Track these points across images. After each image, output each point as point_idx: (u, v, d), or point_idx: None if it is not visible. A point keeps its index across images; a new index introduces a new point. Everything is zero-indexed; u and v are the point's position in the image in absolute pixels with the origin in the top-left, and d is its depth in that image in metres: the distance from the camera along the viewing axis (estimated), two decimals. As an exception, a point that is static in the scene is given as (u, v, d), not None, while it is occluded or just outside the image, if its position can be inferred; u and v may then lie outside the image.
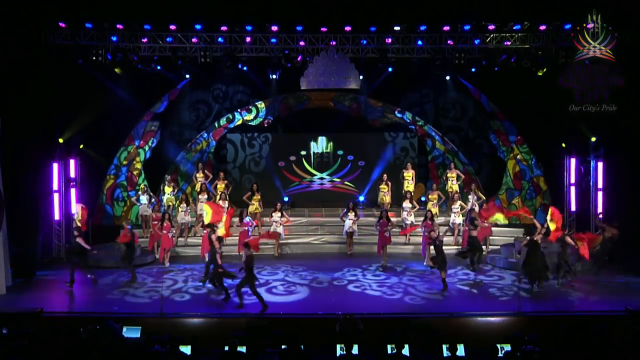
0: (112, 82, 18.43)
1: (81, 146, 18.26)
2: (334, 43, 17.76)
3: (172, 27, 17.42)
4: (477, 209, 18.09)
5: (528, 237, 14.58)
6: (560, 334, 10.00)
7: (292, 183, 21.33)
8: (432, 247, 14.85)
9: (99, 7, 17.04)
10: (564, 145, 18.52)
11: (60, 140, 17.66)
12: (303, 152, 21.34)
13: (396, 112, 20.98)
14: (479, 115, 20.50)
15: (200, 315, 12.93)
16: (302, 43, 17.72)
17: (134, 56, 17.50)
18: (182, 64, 18.12)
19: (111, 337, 9.75)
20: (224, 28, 17.49)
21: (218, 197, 18.39)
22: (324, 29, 17.66)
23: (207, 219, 15.64)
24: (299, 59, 17.77)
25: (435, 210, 18.24)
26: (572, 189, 18.59)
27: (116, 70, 17.69)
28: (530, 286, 14.50)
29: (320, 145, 21.29)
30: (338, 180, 21.42)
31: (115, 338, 9.82)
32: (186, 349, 9.46)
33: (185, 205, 17.99)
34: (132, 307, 13.41)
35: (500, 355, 9.18)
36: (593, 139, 17.83)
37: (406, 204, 18.36)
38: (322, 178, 21.47)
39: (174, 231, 17.34)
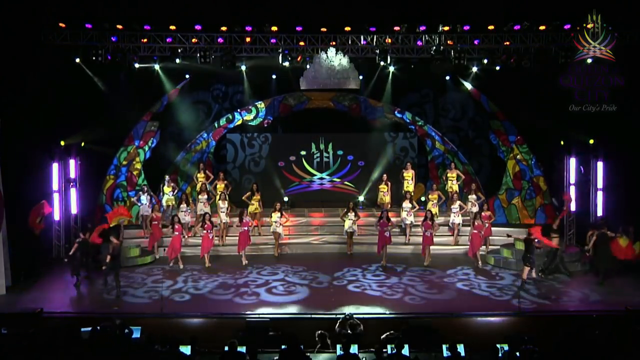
0: (112, 82, 18.42)
1: (82, 144, 18.25)
2: (334, 43, 17.77)
3: (172, 27, 17.43)
4: (475, 209, 18.13)
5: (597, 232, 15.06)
6: (560, 334, 10.01)
7: (292, 183, 21.36)
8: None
9: (98, 8, 17.04)
10: (562, 142, 18.48)
11: (62, 143, 17.65)
12: (303, 152, 21.36)
13: (396, 112, 20.98)
14: (479, 115, 20.49)
15: (200, 316, 12.93)
16: (301, 43, 17.73)
17: (134, 56, 17.52)
18: (181, 64, 18.13)
19: (124, 339, 9.74)
20: (223, 28, 17.50)
21: (218, 197, 18.39)
22: (323, 29, 17.66)
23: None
24: (298, 59, 17.76)
25: (435, 210, 18.27)
26: (572, 188, 18.59)
27: None
28: (600, 279, 14.93)
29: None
30: (338, 180, 21.46)
31: (124, 340, 9.81)
32: (186, 349, 9.46)
33: (185, 205, 17.99)
34: (132, 307, 13.42)
35: (500, 355, 9.18)
36: (592, 142, 17.80)
37: (406, 204, 18.37)
38: (322, 178, 21.51)
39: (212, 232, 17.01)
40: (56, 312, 13.00)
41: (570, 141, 18.42)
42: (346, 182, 21.49)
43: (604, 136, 17.74)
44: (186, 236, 17.73)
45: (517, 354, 9.21)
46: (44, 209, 15.52)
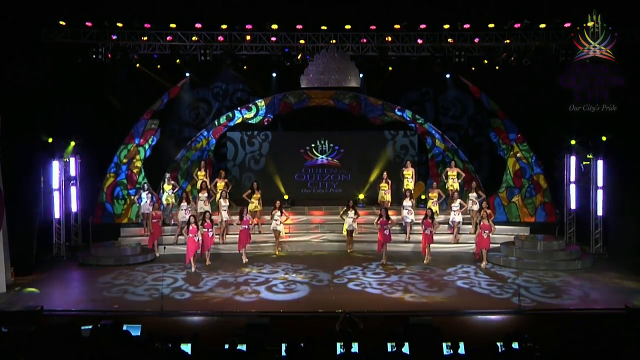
0: (112, 80, 18.43)
1: (73, 143, 18.16)
2: (334, 41, 17.77)
3: (172, 25, 17.41)
4: (476, 207, 18.15)
5: None
6: (560, 333, 10.01)
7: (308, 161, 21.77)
8: None
9: (99, 6, 17.02)
10: (573, 142, 18.41)
11: (50, 140, 17.56)
12: (313, 145, 21.64)
13: (396, 110, 20.97)
14: (479, 113, 20.47)
15: (201, 314, 12.95)
16: (302, 41, 17.72)
17: (134, 55, 17.51)
18: (181, 62, 18.13)
19: (124, 337, 9.72)
20: (224, 26, 17.48)
21: (218, 195, 18.40)
22: (324, 27, 17.66)
23: None
24: (299, 57, 17.76)
25: (435, 208, 18.26)
26: (572, 187, 18.61)
27: None
28: None
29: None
30: (330, 158, 21.66)
31: (125, 338, 9.78)
32: (186, 347, 9.46)
33: (185, 203, 17.98)
34: (132, 306, 13.42)
35: (499, 352, 9.17)
36: (604, 139, 17.76)
37: (406, 202, 18.38)
38: (322, 158, 21.71)
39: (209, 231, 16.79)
40: (56, 310, 13.01)
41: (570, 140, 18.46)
42: (335, 160, 21.65)
43: (603, 135, 17.75)
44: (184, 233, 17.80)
45: (518, 352, 9.21)
46: None
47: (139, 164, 19.81)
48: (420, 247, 17.13)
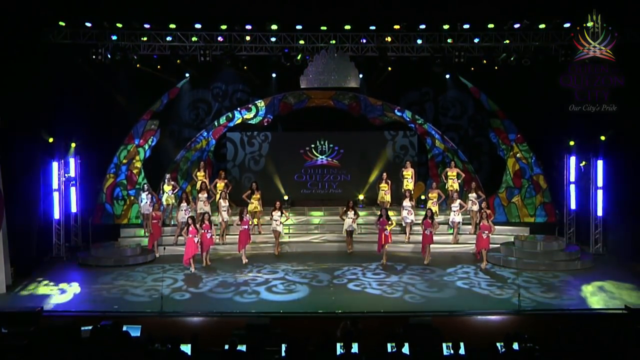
0: (112, 81, 18.42)
1: (74, 145, 18.14)
2: (334, 41, 17.76)
3: (172, 25, 17.41)
4: (476, 208, 18.14)
5: None
6: (560, 333, 10.01)
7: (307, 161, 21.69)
8: None
9: (99, 6, 17.01)
10: (572, 143, 18.41)
11: (50, 140, 17.54)
12: (313, 145, 21.59)
13: (396, 110, 20.97)
14: (479, 113, 20.47)
15: (201, 314, 12.94)
16: (301, 42, 17.72)
17: (134, 55, 17.51)
18: (181, 63, 18.13)
19: (124, 338, 9.72)
20: (223, 26, 17.48)
21: (218, 195, 18.39)
22: (323, 28, 17.65)
23: None
24: (298, 57, 17.75)
25: (435, 208, 18.25)
26: (572, 187, 18.60)
27: None
28: None
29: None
30: (330, 159, 21.62)
31: (124, 339, 9.77)
32: (186, 348, 9.45)
33: (185, 204, 17.97)
34: (132, 306, 13.42)
35: (500, 352, 9.17)
36: (603, 138, 17.75)
37: (406, 203, 18.37)
38: (322, 159, 21.64)
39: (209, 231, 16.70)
40: (56, 311, 13.01)
41: (570, 140, 18.44)
42: (335, 160, 21.60)
43: (603, 135, 17.75)
44: (184, 234, 17.81)
45: (518, 352, 9.21)
46: None
47: (138, 164, 19.80)
48: (420, 247, 17.12)
